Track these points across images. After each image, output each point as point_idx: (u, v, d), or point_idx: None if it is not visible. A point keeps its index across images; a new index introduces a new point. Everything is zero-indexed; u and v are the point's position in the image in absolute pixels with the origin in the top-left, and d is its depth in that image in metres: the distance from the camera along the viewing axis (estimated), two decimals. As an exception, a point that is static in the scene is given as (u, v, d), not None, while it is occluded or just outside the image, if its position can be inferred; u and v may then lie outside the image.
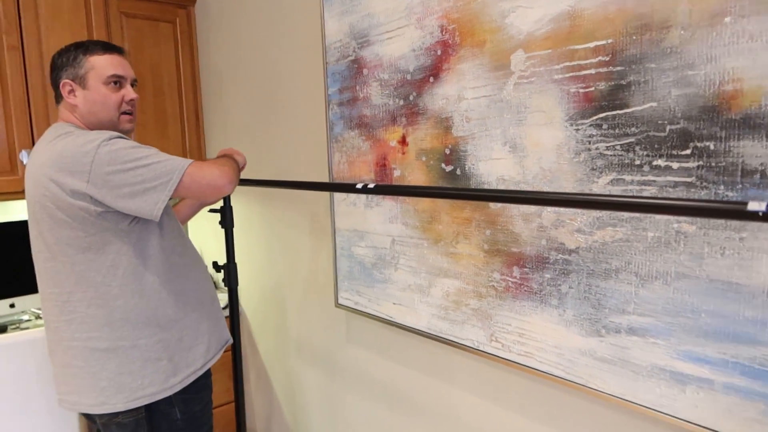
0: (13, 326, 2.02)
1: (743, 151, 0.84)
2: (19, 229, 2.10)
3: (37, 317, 2.12)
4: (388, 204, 1.46)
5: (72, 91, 1.30)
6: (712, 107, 0.86)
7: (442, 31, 1.26)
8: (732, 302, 0.87)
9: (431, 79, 1.30)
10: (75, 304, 1.26)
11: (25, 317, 2.11)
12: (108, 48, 1.32)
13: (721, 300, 0.88)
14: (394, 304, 1.48)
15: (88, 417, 1.36)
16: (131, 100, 1.34)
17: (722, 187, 0.86)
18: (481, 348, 1.27)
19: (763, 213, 0.61)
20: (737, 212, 0.63)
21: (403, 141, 1.39)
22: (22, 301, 2.09)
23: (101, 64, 1.30)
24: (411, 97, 1.35)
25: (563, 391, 1.15)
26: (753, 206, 0.62)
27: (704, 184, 0.88)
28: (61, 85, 1.30)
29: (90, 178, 1.17)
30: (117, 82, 1.32)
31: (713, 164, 0.87)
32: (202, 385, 1.40)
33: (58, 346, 1.30)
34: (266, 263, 2.12)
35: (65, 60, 1.30)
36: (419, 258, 1.39)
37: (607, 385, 1.04)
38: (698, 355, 0.91)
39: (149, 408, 1.31)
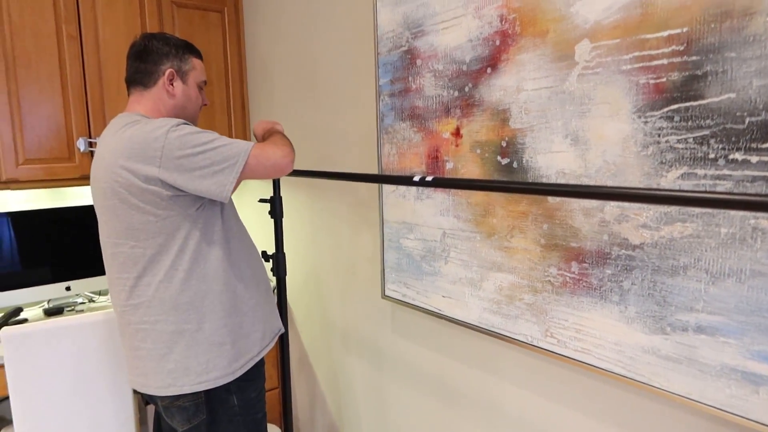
0: (69, 309, 2.09)
1: (831, 145, 0.80)
2: (75, 214, 2.17)
3: (91, 300, 2.19)
4: (439, 196, 1.45)
5: (172, 80, 1.37)
6: (797, 99, 0.82)
7: (501, 21, 1.24)
8: (813, 303, 0.83)
9: (488, 70, 1.28)
10: (143, 289, 1.29)
11: (80, 300, 2.18)
12: (201, 55, 1.45)
13: (802, 300, 0.84)
14: (443, 297, 1.47)
15: (150, 399, 1.39)
16: (205, 104, 1.49)
17: (806, 182, 0.83)
18: (534, 343, 1.25)
19: None
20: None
21: (457, 133, 1.38)
22: (78, 285, 2.16)
23: (200, 68, 1.44)
24: (466, 89, 1.34)
25: (622, 388, 1.13)
26: None
27: (786, 179, 0.85)
28: (166, 70, 1.36)
29: (161, 163, 1.21)
30: (203, 87, 1.46)
31: (797, 158, 0.83)
32: (257, 372, 1.43)
33: (126, 330, 1.34)
34: (311, 253, 2.14)
35: (171, 50, 1.37)
36: (471, 251, 1.38)
37: (671, 383, 1.01)
38: (774, 357, 0.88)
39: (208, 394, 1.33)
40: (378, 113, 1.62)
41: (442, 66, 1.40)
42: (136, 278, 1.28)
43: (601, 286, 1.10)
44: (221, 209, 1.34)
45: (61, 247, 2.14)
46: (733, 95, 0.89)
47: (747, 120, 0.88)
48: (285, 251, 2.31)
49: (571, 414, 1.23)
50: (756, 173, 0.88)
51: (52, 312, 2.06)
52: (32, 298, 2.09)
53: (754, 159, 0.88)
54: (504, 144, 1.26)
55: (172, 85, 1.37)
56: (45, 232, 2.11)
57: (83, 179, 2.07)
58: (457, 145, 1.38)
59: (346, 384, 2.02)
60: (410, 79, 1.50)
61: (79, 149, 2.02)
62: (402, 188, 1.57)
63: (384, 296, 1.68)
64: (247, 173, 1.24)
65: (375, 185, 1.73)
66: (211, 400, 1.33)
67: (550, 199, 1.18)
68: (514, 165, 1.25)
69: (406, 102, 1.52)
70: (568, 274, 1.16)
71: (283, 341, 1.72)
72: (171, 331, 1.28)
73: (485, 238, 1.34)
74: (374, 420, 1.89)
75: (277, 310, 1.52)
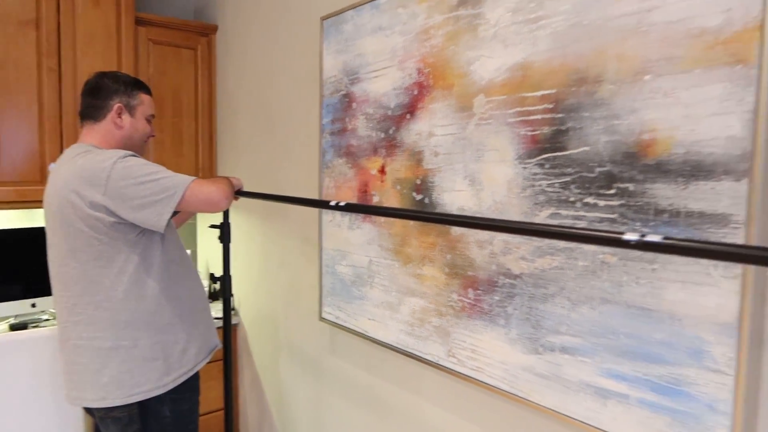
0: (33, 324, 2.19)
1: (656, 192, 0.95)
2: (43, 235, 2.29)
3: (56, 317, 2.29)
4: (367, 227, 1.59)
5: (120, 114, 1.51)
6: (632, 153, 0.98)
7: (419, 74, 1.41)
8: (645, 325, 0.97)
9: (408, 116, 1.44)
10: (84, 307, 1.41)
11: (45, 317, 2.29)
12: (150, 91, 1.60)
13: (636, 323, 0.98)
14: (369, 319, 1.60)
15: (87, 411, 1.50)
16: (152, 135, 1.62)
17: (639, 223, 0.97)
18: (440, 363, 1.38)
19: (635, 242, 0.72)
20: (617, 240, 0.74)
21: (382, 170, 1.53)
22: (43, 302, 2.27)
23: (148, 103, 1.57)
24: (390, 131, 1.49)
25: (509, 403, 1.25)
26: (628, 236, 0.73)
27: (624, 220, 0.99)
28: (114, 105, 1.49)
29: (106, 191, 1.34)
30: (150, 119, 1.59)
31: (632, 203, 0.98)
32: (190, 386, 1.53)
33: (66, 345, 1.45)
34: (264, 277, 2.26)
35: (120, 87, 1.51)
36: (391, 278, 1.51)
37: (544, 398, 1.14)
38: (617, 373, 1.01)
39: (141, 405, 1.44)
40: (320, 149, 1.77)
41: (372, 110, 1.56)
42: (78, 296, 1.40)
43: (491, 310, 1.24)
44: (162, 236, 1.47)
45: (28, 266, 2.25)
46: (587, 148, 1.05)
47: (597, 170, 1.03)
48: (241, 275, 2.43)
49: (472, 427, 1.35)
50: (603, 215, 1.03)
51: (17, 327, 2.16)
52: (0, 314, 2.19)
53: (601, 203, 1.03)
54: (418, 182, 1.42)
55: (120, 118, 1.50)
56: (14, 251, 2.23)
57: (52, 201, 2.20)
58: (382, 181, 1.53)
59: (291, 403, 2.12)
60: (347, 120, 1.66)
61: (49, 174, 2.16)
62: (338, 218, 1.71)
63: (321, 319, 1.81)
64: (182, 205, 1.37)
65: (316, 215, 1.87)
66: (144, 411, 1.44)
67: (452, 231, 1.33)
68: (426, 201, 1.39)
69: (343, 140, 1.68)
70: (466, 300, 1.30)
71: (226, 360, 1.83)
72: (108, 347, 1.40)
73: (402, 265, 1.48)
74: (314, 438, 1.99)
75: (214, 328, 1.64)
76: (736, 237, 0.85)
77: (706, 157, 0.87)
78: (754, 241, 0.82)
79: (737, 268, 0.85)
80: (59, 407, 1.78)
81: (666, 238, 0.70)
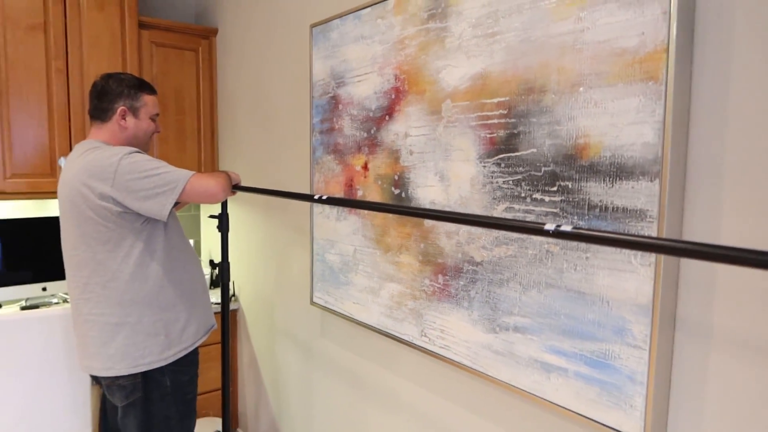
0: (44, 307, 2.36)
1: (590, 190, 1.08)
2: (53, 223, 2.45)
3: (65, 301, 2.46)
4: (352, 218, 1.73)
5: (124, 116, 1.64)
6: (571, 155, 1.11)
7: (396, 79, 1.54)
8: (580, 307, 1.11)
9: (387, 118, 1.58)
10: (93, 286, 1.57)
11: (54, 300, 2.46)
12: (154, 90, 1.71)
13: (573, 305, 1.12)
14: (353, 303, 1.75)
15: (94, 379, 1.66)
16: (158, 132, 1.75)
17: (575, 217, 1.11)
18: (414, 342, 1.52)
19: (552, 231, 0.86)
20: (538, 230, 0.88)
21: (365, 167, 1.67)
22: (53, 286, 2.44)
23: (152, 103, 1.70)
24: (372, 131, 1.63)
25: (471, 378, 1.40)
26: (547, 226, 0.87)
27: (564, 214, 1.13)
28: (118, 109, 1.63)
29: (114, 184, 1.49)
30: (155, 118, 1.71)
31: (570, 199, 1.12)
32: (190, 360, 1.69)
33: (78, 320, 1.61)
34: (261, 265, 2.42)
35: (124, 90, 1.63)
36: (373, 265, 1.66)
37: (500, 372, 1.28)
38: (558, 349, 1.15)
39: (145, 375, 1.60)
40: (311, 147, 1.91)
41: (356, 111, 1.70)
42: (88, 277, 1.56)
43: (457, 294, 1.38)
44: (164, 224, 1.62)
45: (39, 252, 2.42)
46: (535, 150, 1.18)
47: (543, 169, 1.17)
48: (240, 262, 2.59)
49: (438, 400, 1.50)
50: (548, 209, 1.16)
51: (29, 309, 2.32)
52: (12, 297, 2.36)
53: (547, 198, 1.16)
54: (396, 178, 1.56)
55: (124, 119, 1.63)
56: (27, 238, 2.39)
57: (63, 194, 2.36)
58: (365, 177, 1.68)
59: (285, 382, 2.28)
60: (334, 120, 1.80)
61: (60, 167, 2.31)
62: (327, 210, 1.86)
63: (312, 303, 1.96)
64: (183, 197, 1.52)
65: (309, 208, 2.01)
66: (147, 380, 1.60)
67: (426, 223, 1.47)
68: (403, 195, 1.53)
69: (331, 139, 1.82)
70: (436, 285, 1.44)
71: (224, 341, 1.99)
72: (114, 323, 1.56)
73: (383, 253, 1.62)
74: (304, 411, 2.15)
75: (211, 310, 1.79)
76: (651, 230, 0.98)
77: (628, 160, 1.01)
78: (665, 234, 0.96)
79: (652, 257, 0.99)
80: (69, 378, 1.95)
81: (575, 228, 0.83)
